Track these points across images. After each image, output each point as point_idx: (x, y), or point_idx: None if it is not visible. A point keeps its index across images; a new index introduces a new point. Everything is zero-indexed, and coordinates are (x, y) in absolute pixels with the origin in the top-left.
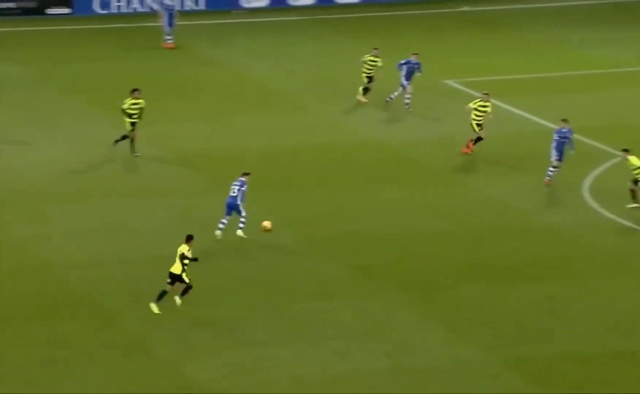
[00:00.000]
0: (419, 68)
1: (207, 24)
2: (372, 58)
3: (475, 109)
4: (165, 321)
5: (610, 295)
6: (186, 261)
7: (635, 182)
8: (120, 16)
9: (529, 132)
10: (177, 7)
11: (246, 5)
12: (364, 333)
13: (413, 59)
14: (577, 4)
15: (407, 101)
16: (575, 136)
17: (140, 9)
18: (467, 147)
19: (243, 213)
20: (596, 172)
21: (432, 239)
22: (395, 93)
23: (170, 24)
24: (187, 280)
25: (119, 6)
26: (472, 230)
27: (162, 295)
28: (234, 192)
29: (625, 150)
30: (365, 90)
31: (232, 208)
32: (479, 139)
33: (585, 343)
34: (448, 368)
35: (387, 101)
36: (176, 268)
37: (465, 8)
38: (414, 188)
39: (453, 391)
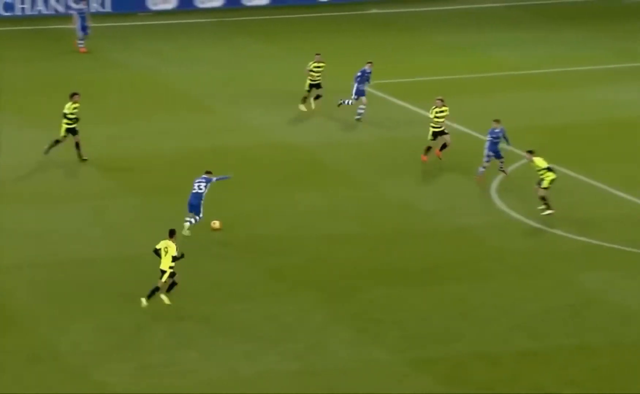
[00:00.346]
0: (368, 77)
1: (113, 26)
2: (316, 64)
3: (435, 117)
4: (74, 327)
5: (518, 295)
6: (173, 264)
7: (540, 182)
8: (24, 19)
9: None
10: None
11: (153, 7)
12: (275, 335)
13: (367, 67)
14: (487, 7)
15: (348, 102)
16: (484, 137)
17: (45, 11)
18: (436, 154)
19: (200, 215)
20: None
21: (342, 241)
22: (350, 101)
23: (84, 28)
24: (162, 280)
25: (23, 8)
26: (381, 233)
27: (171, 287)
28: (200, 189)
29: (530, 152)
30: (317, 97)
31: (194, 205)
32: (429, 148)
33: (493, 343)
34: (358, 369)
35: (339, 104)
36: (164, 265)
37: (374, 11)
38: (324, 191)
39: (362, 391)
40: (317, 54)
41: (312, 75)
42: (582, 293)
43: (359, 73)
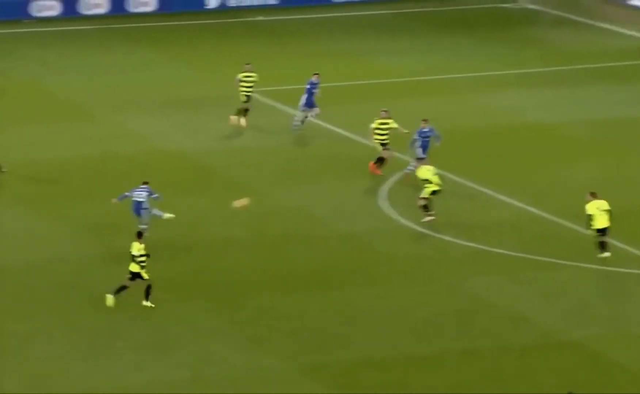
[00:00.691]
0: (317, 87)
1: None
2: (247, 74)
3: (377, 128)
4: None
5: (407, 300)
6: (142, 259)
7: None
8: None
9: (325, 140)
10: None
11: (37, 14)
12: (164, 344)
13: (314, 78)
14: (374, 14)
15: (310, 118)
16: (372, 144)
17: None
18: (374, 168)
19: (146, 224)
20: (392, 179)
21: (230, 248)
22: (312, 114)
23: None
24: (146, 277)
25: None
26: (270, 239)
27: (121, 288)
28: (140, 197)
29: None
30: (245, 111)
31: (139, 213)
32: (381, 159)
33: (382, 348)
34: (249, 376)
35: (295, 127)
36: (134, 267)
37: (261, 18)
38: (213, 198)
39: None
40: (246, 64)
41: (242, 87)
42: (470, 297)
43: (307, 85)
